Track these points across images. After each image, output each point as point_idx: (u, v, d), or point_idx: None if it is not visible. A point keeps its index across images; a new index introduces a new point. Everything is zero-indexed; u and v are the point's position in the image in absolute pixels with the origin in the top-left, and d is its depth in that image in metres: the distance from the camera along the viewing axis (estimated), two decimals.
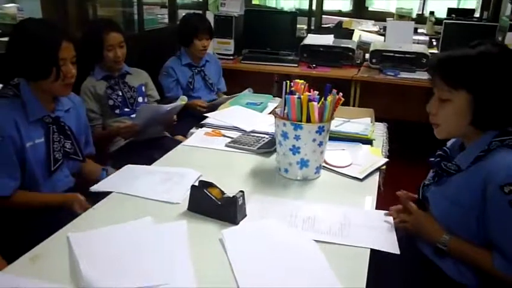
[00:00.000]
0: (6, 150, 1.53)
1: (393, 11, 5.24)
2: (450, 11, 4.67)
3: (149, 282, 1.02)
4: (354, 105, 3.29)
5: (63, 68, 1.57)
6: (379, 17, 4.91)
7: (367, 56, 3.56)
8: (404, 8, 5.22)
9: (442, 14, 4.76)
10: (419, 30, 4.45)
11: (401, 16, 5.03)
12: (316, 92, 1.56)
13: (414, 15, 5.17)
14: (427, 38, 4.09)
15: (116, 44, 2.28)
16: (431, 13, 4.75)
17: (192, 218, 1.33)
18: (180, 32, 2.95)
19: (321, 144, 1.54)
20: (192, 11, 3.30)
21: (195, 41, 2.85)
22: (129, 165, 1.67)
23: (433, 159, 1.34)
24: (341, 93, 1.56)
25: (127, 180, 1.54)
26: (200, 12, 4.03)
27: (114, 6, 3.94)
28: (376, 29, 4.51)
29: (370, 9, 5.59)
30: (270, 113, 2.28)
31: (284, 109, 1.54)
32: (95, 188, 1.54)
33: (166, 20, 4.43)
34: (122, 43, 2.31)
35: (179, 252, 1.15)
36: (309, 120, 1.50)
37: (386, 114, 2.45)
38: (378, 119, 2.25)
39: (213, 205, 1.31)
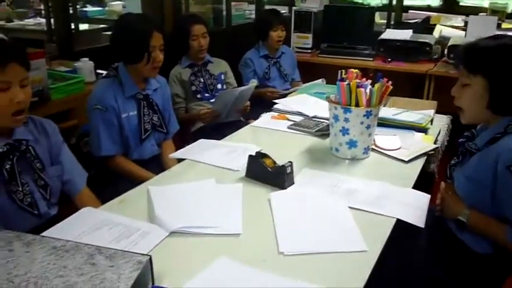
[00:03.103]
0: (110, 118, 1.89)
1: (486, 5, 5.02)
2: None
3: (203, 224, 1.28)
4: (427, 99, 3.30)
5: (153, 54, 1.89)
6: (471, 12, 4.71)
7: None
8: (499, 2, 4.96)
9: None
10: None
11: (495, 11, 4.79)
12: (369, 81, 1.71)
13: (510, 10, 4.91)
14: None
15: (199, 34, 2.60)
16: None
17: (247, 182, 1.57)
18: (256, 27, 3.21)
19: (368, 127, 1.69)
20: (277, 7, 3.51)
21: (271, 33, 3.09)
22: (203, 140, 1.95)
23: (461, 139, 1.44)
24: (390, 82, 1.69)
25: (199, 151, 1.82)
26: (286, 7, 4.24)
27: (205, 3, 4.32)
28: (462, 24, 4.39)
29: (461, 4, 5.39)
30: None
31: (337, 94, 1.72)
32: (172, 155, 1.85)
33: (254, 16, 4.74)
34: (205, 34, 2.62)
35: (233, 207, 1.40)
36: (357, 105, 1.66)
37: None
38: (448, 113, 2.27)
39: (265, 172, 1.54)
